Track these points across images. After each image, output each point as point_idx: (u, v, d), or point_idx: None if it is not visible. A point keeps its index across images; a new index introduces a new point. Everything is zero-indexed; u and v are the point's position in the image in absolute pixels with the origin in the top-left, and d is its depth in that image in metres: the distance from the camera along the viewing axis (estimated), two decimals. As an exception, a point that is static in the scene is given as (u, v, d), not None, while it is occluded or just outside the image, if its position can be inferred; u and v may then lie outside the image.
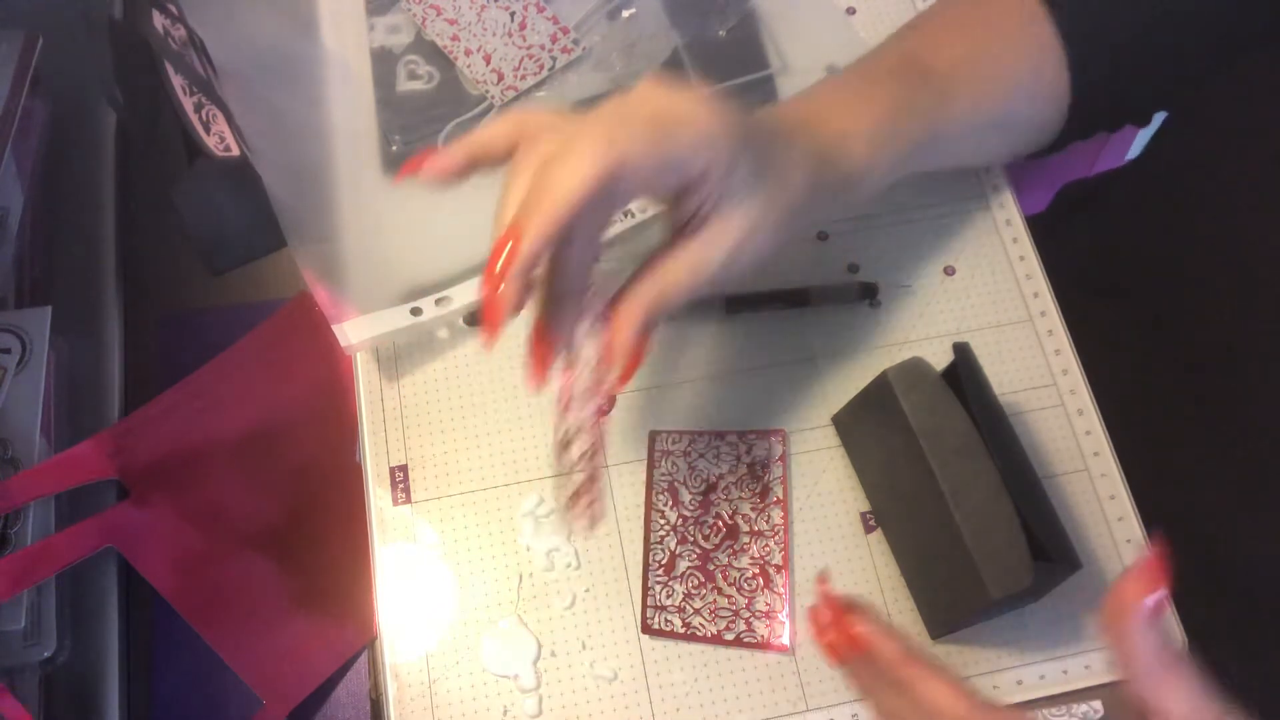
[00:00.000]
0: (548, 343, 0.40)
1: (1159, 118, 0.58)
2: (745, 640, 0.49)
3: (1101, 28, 0.50)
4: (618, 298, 0.40)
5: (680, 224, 0.40)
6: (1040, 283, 0.58)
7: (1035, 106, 0.51)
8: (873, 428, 0.50)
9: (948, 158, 0.51)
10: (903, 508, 0.50)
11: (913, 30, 0.52)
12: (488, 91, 0.61)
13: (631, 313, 0.39)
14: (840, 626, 0.39)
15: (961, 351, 0.47)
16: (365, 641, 0.62)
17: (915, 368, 0.47)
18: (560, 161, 0.36)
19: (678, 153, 0.37)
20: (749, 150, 0.39)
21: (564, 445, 0.41)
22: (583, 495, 0.41)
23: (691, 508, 0.52)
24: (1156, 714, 0.34)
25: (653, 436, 0.54)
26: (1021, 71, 0.50)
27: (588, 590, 0.51)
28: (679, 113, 0.38)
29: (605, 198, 0.36)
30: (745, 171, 0.39)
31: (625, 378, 0.40)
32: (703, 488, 0.52)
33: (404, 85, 0.62)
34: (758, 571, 0.51)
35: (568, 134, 0.37)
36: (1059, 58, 0.50)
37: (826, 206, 0.45)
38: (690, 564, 0.51)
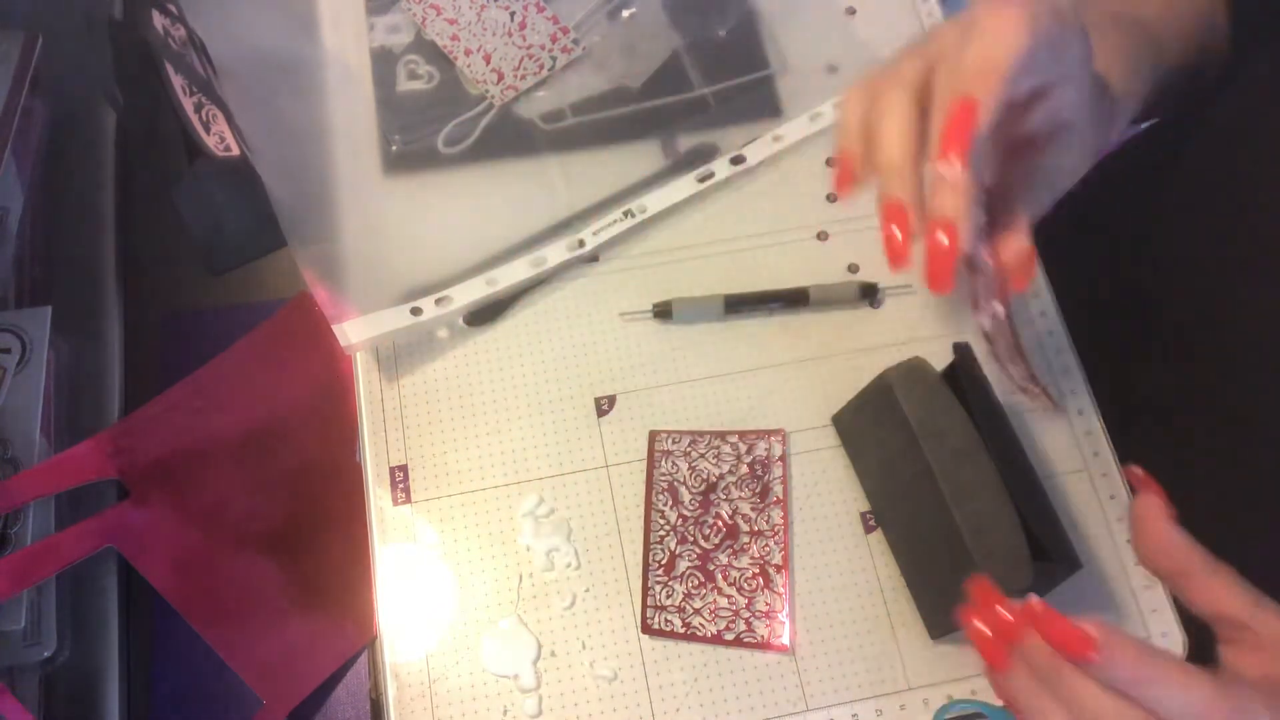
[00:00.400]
0: (953, 244, 0.37)
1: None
2: (745, 640, 0.49)
3: None
4: (996, 208, 0.40)
5: (1022, 137, 0.40)
6: (1040, 283, 0.58)
7: (1212, 60, 0.52)
8: (873, 428, 0.50)
9: (1150, 105, 0.51)
10: (903, 508, 0.50)
11: None
12: (487, 91, 0.61)
13: (1023, 221, 0.40)
14: (1047, 625, 0.35)
15: (962, 352, 0.47)
16: (365, 641, 0.62)
17: (915, 368, 0.47)
18: (980, 35, 0.35)
19: (1070, 36, 0.37)
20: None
21: (987, 339, 0.42)
22: (1029, 383, 0.42)
23: (691, 508, 0.52)
24: (1221, 620, 0.35)
25: (653, 436, 0.54)
26: (1203, 24, 0.51)
27: (588, 590, 0.51)
28: (1054, 4, 0.37)
29: (1030, 72, 0.36)
30: (1093, 80, 0.40)
31: (1026, 282, 0.42)
32: (703, 488, 0.52)
33: (404, 85, 0.62)
34: (758, 571, 0.51)
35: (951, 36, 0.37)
36: (1224, 17, 0.51)
37: (1104, 141, 0.45)
38: (690, 564, 0.51)
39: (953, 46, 0.38)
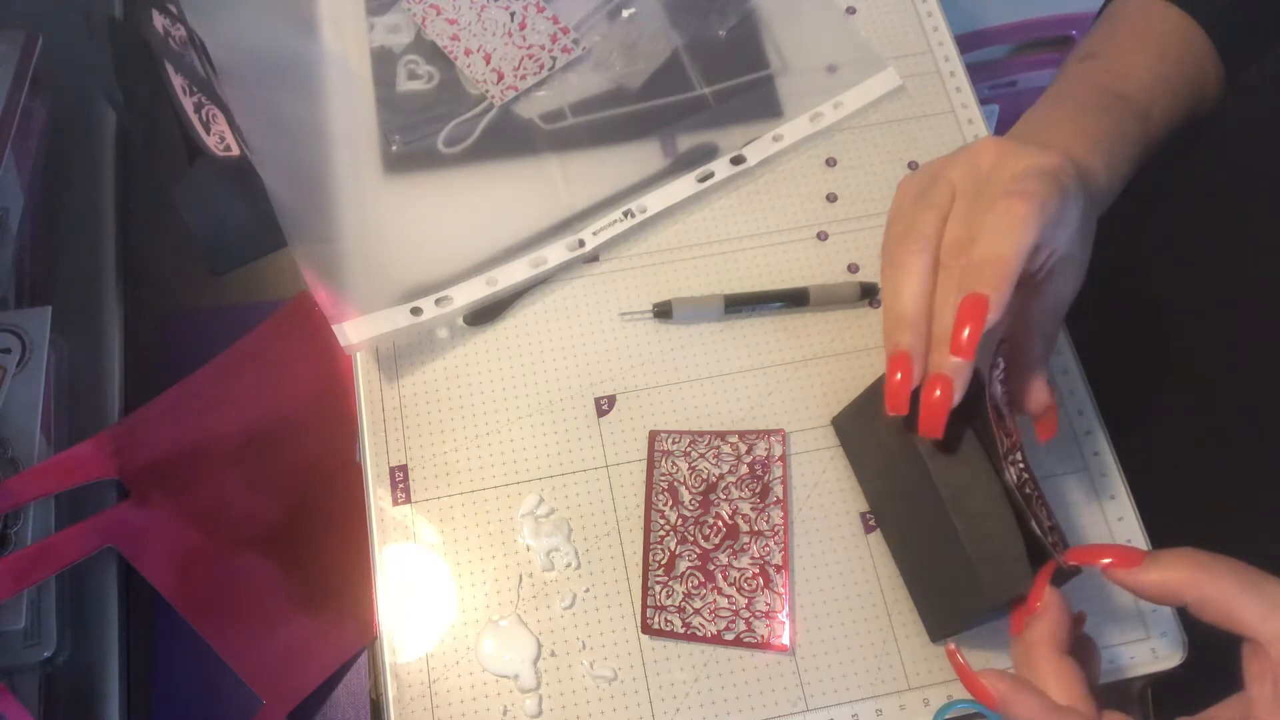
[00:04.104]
0: (946, 397, 0.42)
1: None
2: (745, 640, 0.49)
3: (1240, 19, 0.53)
4: (1017, 359, 0.45)
5: (1025, 282, 0.43)
6: (1040, 283, 0.58)
7: (1205, 107, 0.55)
8: (872, 431, 0.50)
9: (1140, 168, 0.54)
10: (902, 511, 0.50)
11: (1092, 60, 0.54)
12: (488, 91, 0.61)
13: (1042, 369, 0.45)
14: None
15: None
16: (365, 641, 0.62)
17: None
18: (1000, 229, 0.39)
19: (1071, 203, 0.41)
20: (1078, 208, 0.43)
21: (1010, 491, 0.44)
22: (1052, 533, 0.43)
23: (691, 508, 0.52)
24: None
25: (653, 436, 0.54)
26: (1194, 82, 0.53)
27: (588, 590, 0.51)
28: (1056, 167, 0.42)
29: (1036, 255, 0.41)
30: (1085, 211, 0.44)
31: (1049, 434, 0.46)
32: (703, 488, 0.52)
33: (404, 85, 0.62)
34: (758, 571, 0.51)
35: (972, 213, 0.41)
36: (1215, 60, 0.54)
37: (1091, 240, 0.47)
38: (690, 564, 0.51)
39: (964, 215, 0.42)
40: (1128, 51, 0.53)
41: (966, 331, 0.39)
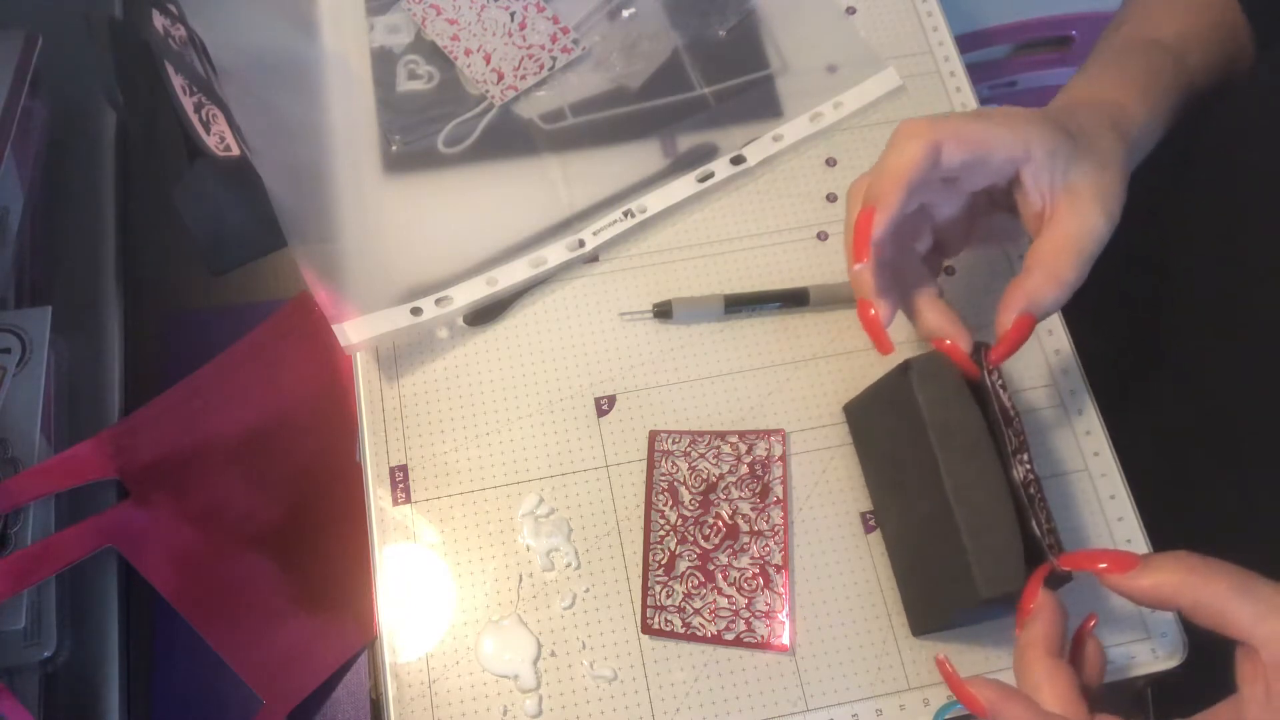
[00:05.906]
0: (876, 315, 0.45)
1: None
2: (745, 640, 0.49)
3: None
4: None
5: (1035, 224, 0.45)
6: (1040, 283, 0.58)
7: (1242, 66, 0.55)
8: (884, 417, 0.50)
9: (1177, 121, 0.54)
10: (903, 501, 0.50)
11: (1124, 25, 0.55)
12: (488, 91, 0.61)
13: (1006, 300, 0.45)
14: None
15: (980, 351, 0.47)
16: (365, 641, 0.62)
17: (936, 360, 0.47)
18: (889, 150, 0.43)
19: (994, 130, 0.43)
20: (1062, 134, 0.44)
21: (1015, 488, 0.45)
22: (1049, 535, 0.44)
23: (691, 508, 0.52)
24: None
25: (653, 436, 0.54)
26: (1227, 40, 0.54)
27: (588, 590, 0.51)
28: (990, 110, 0.44)
29: (933, 169, 0.43)
30: (1067, 150, 0.44)
31: (999, 354, 0.45)
32: (703, 488, 0.52)
33: (404, 85, 0.62)
34: (758, 571, 0.51)
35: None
36: (1246, 26, 0.54)
37: (1128, 174, 0.47)
38: (690, 564, 0.51)
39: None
40: (1157, 14, 0.54)
41: (859, 242, 0.43)
